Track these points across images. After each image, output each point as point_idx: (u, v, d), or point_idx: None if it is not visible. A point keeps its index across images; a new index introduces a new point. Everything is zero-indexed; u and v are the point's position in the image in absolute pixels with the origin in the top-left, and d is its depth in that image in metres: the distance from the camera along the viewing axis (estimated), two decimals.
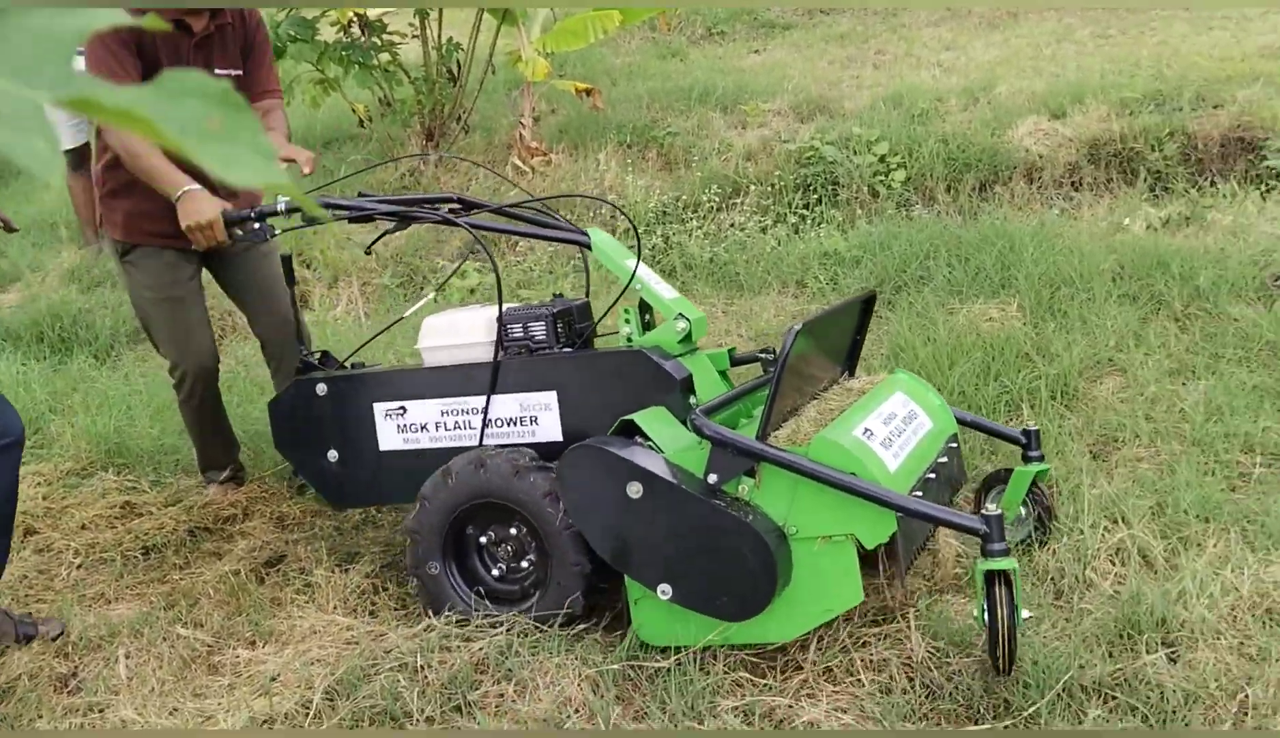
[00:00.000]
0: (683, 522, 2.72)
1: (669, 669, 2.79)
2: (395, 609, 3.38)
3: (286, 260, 3.75)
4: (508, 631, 2.97)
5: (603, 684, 2.78)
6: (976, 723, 2.58)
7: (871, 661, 2.79)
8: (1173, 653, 2.67)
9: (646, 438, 2.89)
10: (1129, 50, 8.99)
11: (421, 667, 2.86)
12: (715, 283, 6.53)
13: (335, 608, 3.36)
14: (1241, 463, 3.77)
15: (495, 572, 3.18)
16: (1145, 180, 6.89)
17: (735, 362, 3.55)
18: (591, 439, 2.89)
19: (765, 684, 2.76)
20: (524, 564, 3.14)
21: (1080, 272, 5.34)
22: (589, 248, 3.36)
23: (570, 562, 2.98)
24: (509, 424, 3.25)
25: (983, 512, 2.62)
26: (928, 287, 5.64)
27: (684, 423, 2.98)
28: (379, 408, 3.37)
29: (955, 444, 3.32)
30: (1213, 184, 6.74)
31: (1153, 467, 3.78)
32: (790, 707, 2.67)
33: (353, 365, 3.64)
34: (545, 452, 3.14)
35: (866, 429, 2.86)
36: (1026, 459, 3.37)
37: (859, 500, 2.63)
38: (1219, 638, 2.69)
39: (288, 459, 3.63)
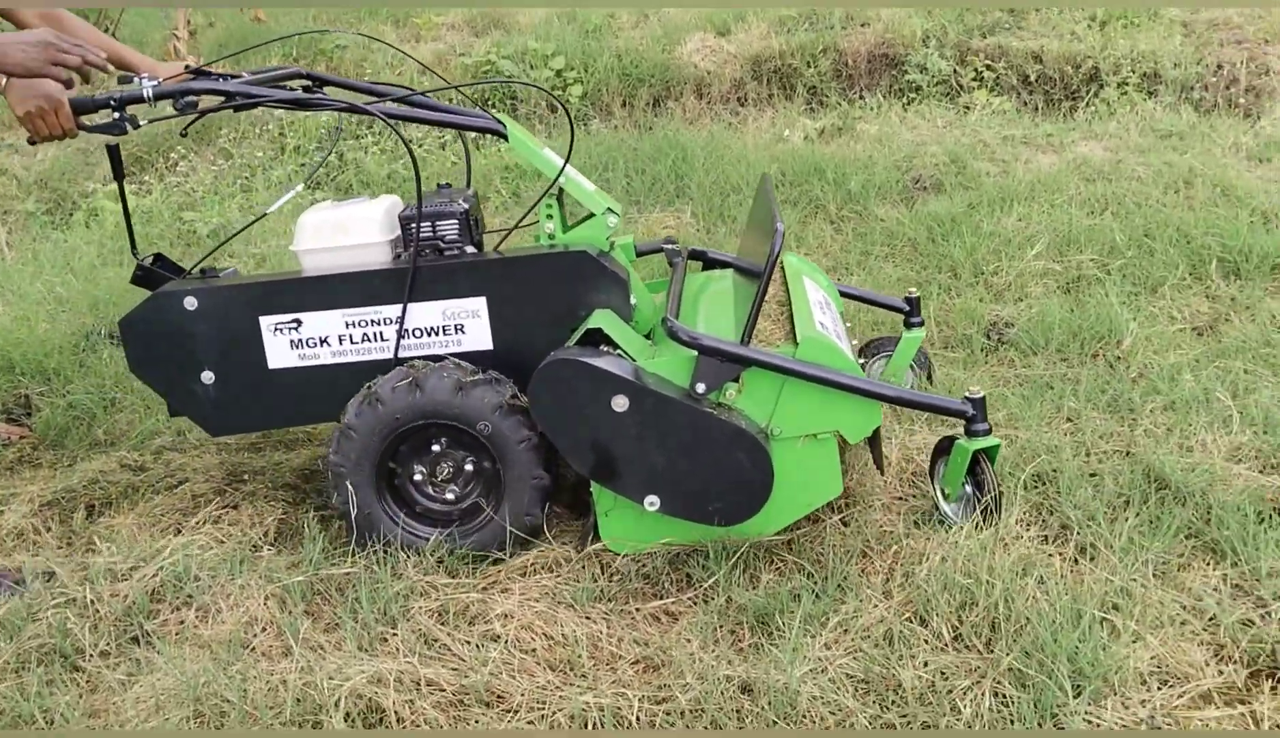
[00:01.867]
0: (673, 432, 2.67)
1: (359, 576, 2.75)
2: (59, 547, 3.13)
3: (114, 151, 3.11)
4: (185, 554, 2.82)
5: (290, 600, 2.71)
6: (661, 599, 2.72)
7: (568, 558, 2.88)
8: (845, 517, 2.93)
9: (613, 346, 2.79)
10: None
11: (92, 600, 2.68)
12: None
13: None
14: None
15: (431, 494, 2.99)
16: (803, 94, 7.32)
17: (639, 253, 3.45)
18: (563, 352, 2.74)
19: (459, 583, 2.79)
20: (462, 486, 2.98)
21: (747, 179, 5.62)
22: (504, 138, 3.08)
23: (529, 476, 2.87)
24: (430, 334, 3.00)
25: (966, 395, 2.77)
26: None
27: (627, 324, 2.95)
28: (266, 322, 3.00)
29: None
30: (861, 97, 7.26)
31: None
32: (483, 601, 2.70)
33: (203, 273, 3.17)
34: (472, 363, 2.95)
35: (820, 322, 2.86)
36: (909, 326, 3.54)
37: (844, 396, 2.68)
38: (882, 502, 2.98)
39: (147, 383, 3.13)
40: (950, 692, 2.31)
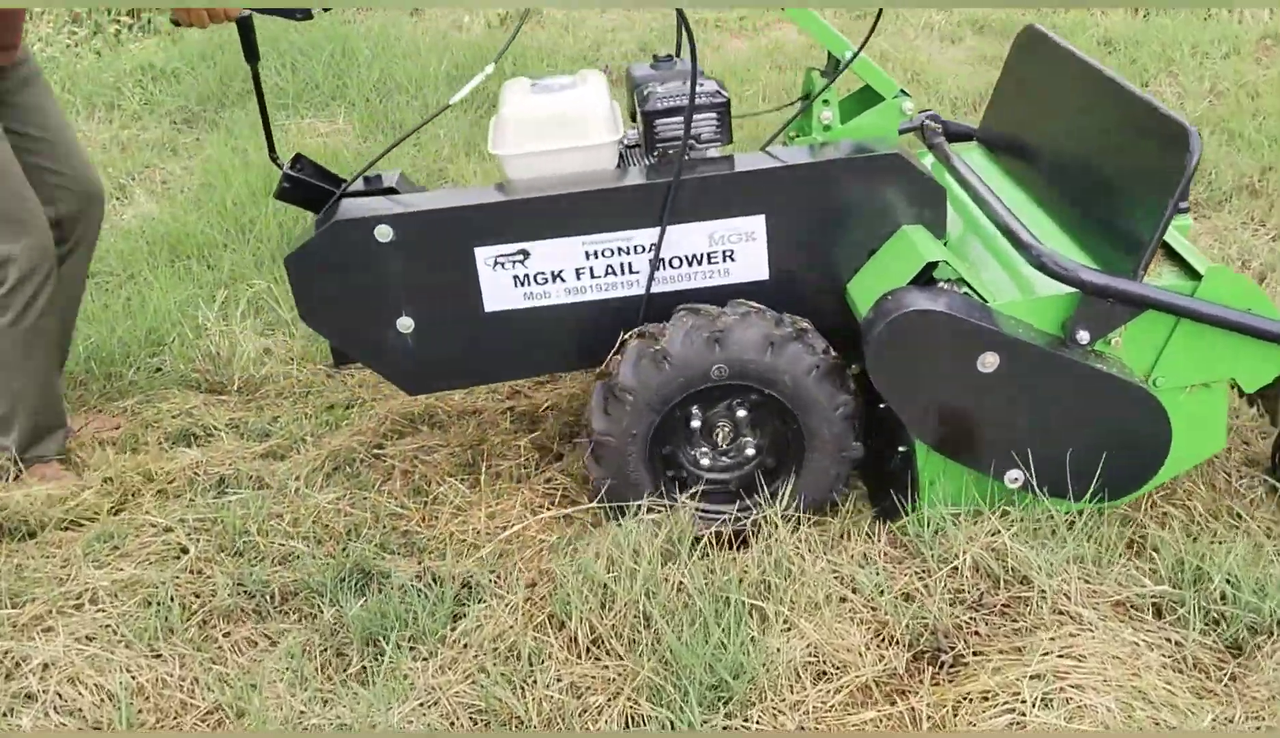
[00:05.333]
0: (1051, 394, 2.19)
1: None
2: None
3: (247, 30, 2.47)
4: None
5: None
6: (262, 618, 2.24)
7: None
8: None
9: (942, 282, 2.23)
10: None
11: None
12: None
13: None
14: None
15: (705, 464, 2.42)
16: None
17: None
18: (909, 298, 2.17)
19: None
20: (746, 452, 2.42)
21: (415, 77, 5.02)
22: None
23: (838, 448, 2.32)
24: (691, 263, 2.37)
25: None
26: (253, 101, 5.01)
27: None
28: (483, 254, 2.35)
29: None
30: None
31: None
32: (19, 648, 2.14)
33: (366, 182, 2.49)
34: (741, 297, 2.35)
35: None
36: None
37: (1248, 340, 2.19)
38: None
39: (322, 333, 2.51)
40: (583, 712, 1.96)
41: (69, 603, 2.30)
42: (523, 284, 2.39)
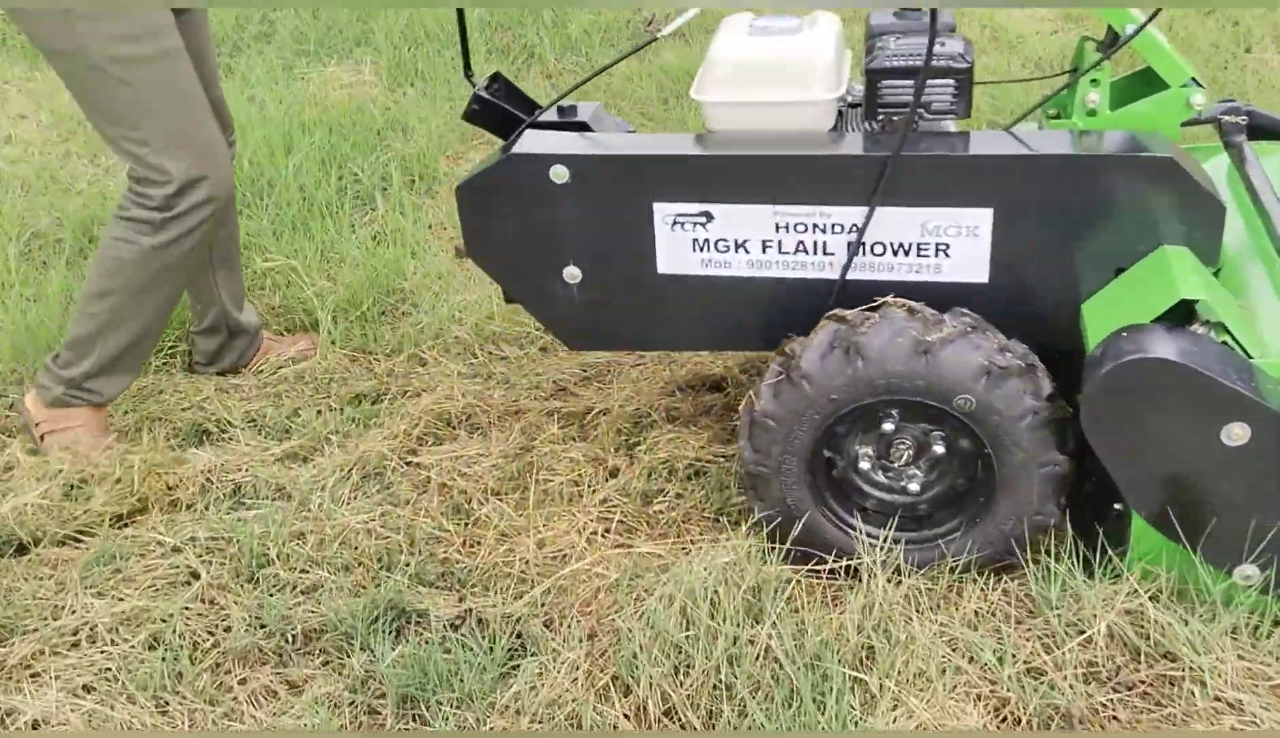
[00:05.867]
0: None
1: None
2: None
3: None
4: None
5: None
6: (284, 663, 1.96)
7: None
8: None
9: (1198, 325, 1.82)
10: None
11: None
12: None
13: None
14: None
15: (885, 483, 2.08)
16: None
17: (1188, 122, 2.27)
18: (1143, 340, 1.78)
19: None
20: (929, 471, 2.06)
21: (446, 24, 4.65)
22: None
23: (1033, 509, 1.95)
24: (897, 253, 2.05)
25: None
26: (270, 46, 4.67)
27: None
28: (663, 211, 2.10)
29: None
30: None
31: None
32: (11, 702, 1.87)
33: (560, 112, 2.25)
34: (950, 298, 2.00)
35: None
36: None
37: None
38: None
39: (486, 270, 2.29)
40: None
41: (64, 640, 2.02)
42: (702, 249, 2.13)
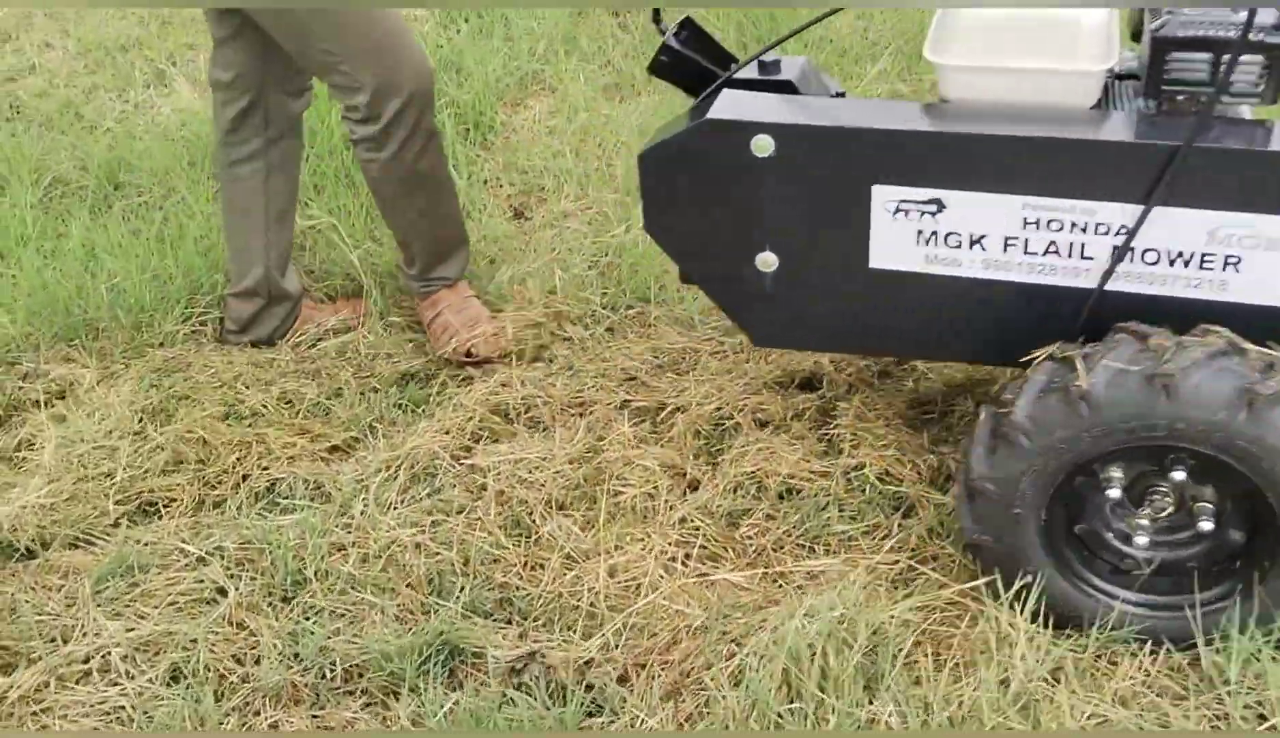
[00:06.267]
0: None
1: None
2: None
3: None
4: None
5: None
6: None
7: None
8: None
9: None
10: None
11: None
12: None
13: None
14: None
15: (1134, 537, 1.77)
16: None
17: None
18: None
19: None
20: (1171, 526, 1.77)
21: None
22: None
23: None
24: (1174, 263, 1.72)
25: None
26: None
27: None
28: (882, 195, 1.79)
29: None
30: None
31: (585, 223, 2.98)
32: None
33: (761, 69, 1.95)
34: (1232, 320, 1.68)
35: None
36: None
37: None
38: None
39: (666, 249, 2.01)
40: None
41: (73, 670, 1.78)
42: (928, 243, 1.81)
